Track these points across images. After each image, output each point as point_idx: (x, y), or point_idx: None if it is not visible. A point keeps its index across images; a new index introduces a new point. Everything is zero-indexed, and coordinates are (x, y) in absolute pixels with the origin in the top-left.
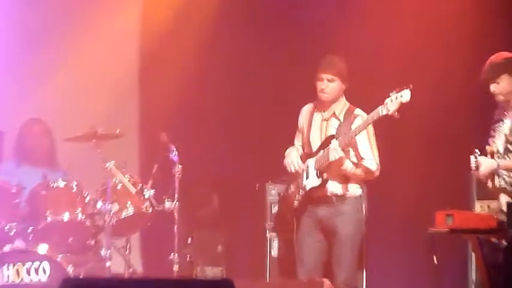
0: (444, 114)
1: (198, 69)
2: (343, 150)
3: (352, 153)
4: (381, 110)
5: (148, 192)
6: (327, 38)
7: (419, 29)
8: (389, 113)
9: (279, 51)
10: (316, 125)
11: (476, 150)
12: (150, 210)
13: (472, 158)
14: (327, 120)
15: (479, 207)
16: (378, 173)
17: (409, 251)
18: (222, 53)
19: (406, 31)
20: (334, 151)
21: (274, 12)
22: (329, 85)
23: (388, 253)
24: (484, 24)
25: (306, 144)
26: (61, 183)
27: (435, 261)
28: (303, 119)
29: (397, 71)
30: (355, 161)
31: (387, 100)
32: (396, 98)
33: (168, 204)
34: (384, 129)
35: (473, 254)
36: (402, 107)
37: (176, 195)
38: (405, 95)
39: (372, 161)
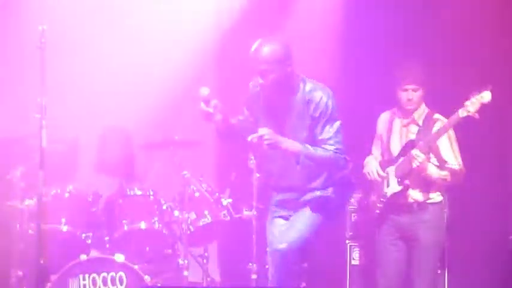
0: None
1: None
2: (424, 155)
3: (433, 158)
4: (461, 112)
5: (226, 201)
6: (404, 43)
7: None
8: (470, 113)
9: (359, 57)
10: (396, 131)
11: None
12: (228, 218)
13: None
14: (406, 126)
15: None
16: (462, 176)
17: (491, 258)
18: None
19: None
20: (417, 157)
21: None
22: (414, 95)
23: (470, 260)
24: None
25: (386, 151)
26: (138, 192)
27: None
28: (381, 126)
29: (476, 74)
30: (438, 165)
31: (467, 102)
32: (476, 99)
33: (246, 213)
34: (465, 134)
35: None
36: (484, 110)
37: (254, 204)
38: (485, 96)
39: (455, 165)
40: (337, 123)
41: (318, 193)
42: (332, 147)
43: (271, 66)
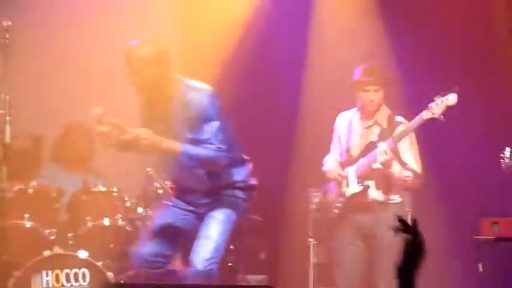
0: (492, 120)
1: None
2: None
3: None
4: (425, 114)
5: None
6: (366, 42)
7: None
8: (435, 116)
9: (321, 56)
10: (356, 132)
11: None
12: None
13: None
14: (369, 128)
15: None
16: (421, 180)
17: (454, 258)
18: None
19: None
20: (384, 154)
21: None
22: (376, 95)
23: (432, 261)
24: None
25: (345, 151)
26: (102, 188)
27: (480, 269)
28: (341, 126)
29: (439, 75)
30: (399, 167)
31: (432, 104)
32: (442, 101)
33: None
34: (429, 134)
35: None
36: (448, 112)
37: None
38: (451, 98)
39: (415, 167)
40: (217, 123)
41: (223, 195)
42: (213, 146)
43: (142, 66)
